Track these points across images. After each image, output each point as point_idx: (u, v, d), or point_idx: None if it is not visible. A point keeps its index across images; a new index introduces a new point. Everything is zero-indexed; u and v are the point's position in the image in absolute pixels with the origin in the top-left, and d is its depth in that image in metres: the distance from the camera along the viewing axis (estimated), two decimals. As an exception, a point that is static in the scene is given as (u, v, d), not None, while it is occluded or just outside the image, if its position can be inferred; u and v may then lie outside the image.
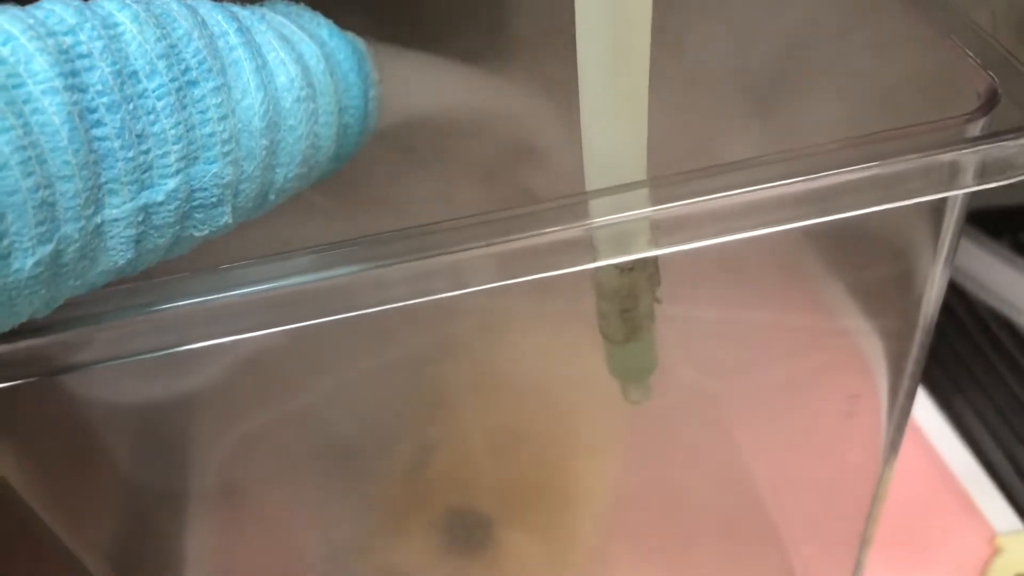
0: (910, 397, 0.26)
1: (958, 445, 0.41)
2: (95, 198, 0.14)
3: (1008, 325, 0.45)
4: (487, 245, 0.17)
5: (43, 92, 0.13)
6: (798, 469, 0.29)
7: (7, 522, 0.23)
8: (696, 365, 0.26)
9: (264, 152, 0.17)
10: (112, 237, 0.15)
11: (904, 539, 0.37)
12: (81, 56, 0.14)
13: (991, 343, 0.44)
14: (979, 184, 0.18)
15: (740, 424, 0.28)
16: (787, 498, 0.30)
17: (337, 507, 0.28)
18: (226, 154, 0.16)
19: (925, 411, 0.42)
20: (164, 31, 0.15)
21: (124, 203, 0.15)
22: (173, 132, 0.15)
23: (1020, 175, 0.18)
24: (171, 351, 0.17)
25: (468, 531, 0.29)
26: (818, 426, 0.28)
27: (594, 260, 0.17)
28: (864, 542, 0.31)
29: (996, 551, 0.37)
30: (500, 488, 0.28)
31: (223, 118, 0.16)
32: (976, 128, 0.18)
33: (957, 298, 0.45)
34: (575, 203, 0.17)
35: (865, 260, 0.24)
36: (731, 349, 0.26)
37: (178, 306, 0.16)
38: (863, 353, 0.26)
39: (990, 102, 0.18)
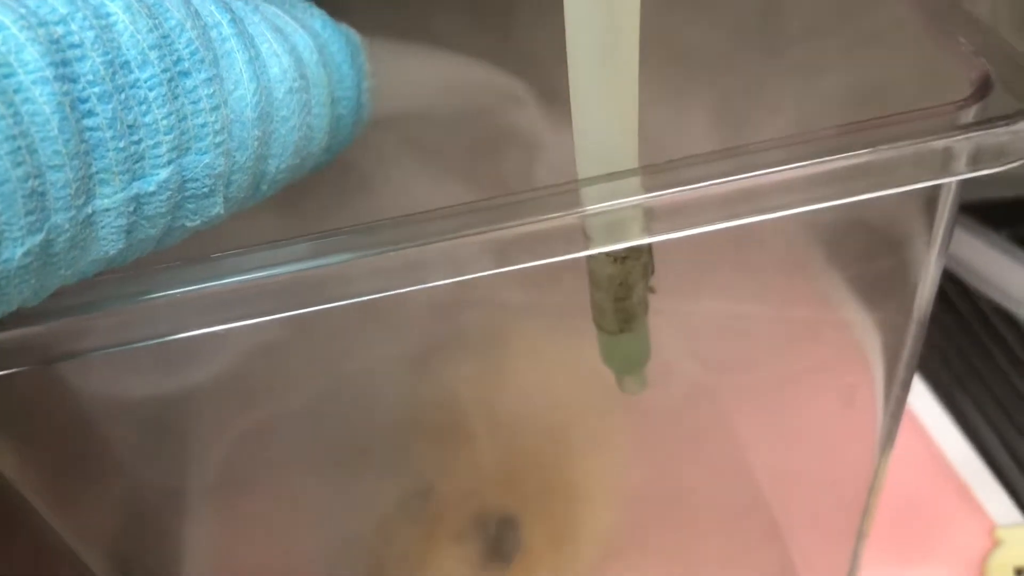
0: (906, 388, 0.26)
1: (958, 437, 0.41)
2: (86, 188, 0.14)
3: (1008, 318, 0.44)
4: (478, 233, 0.17)
5: (33, 82, 0.13)
6: (795, 461, 0.29)
7: (5, 518, 0.23)
8: (691, 357, 0.26)
9: (256, 143, 0.17)
10: (103, 227, 0.15)
11: (904, 531, 0.37)
12: (72, 46, 0.14)
13: (991, 336, 0.44)
14: (972, 171, 0.18)
15: (735, 416, 0.28)
16: (784, 490, 0.30)
17: (339, 503, 0.28)
18: (218, 145, 0.16)
19: (925, 404, 0.42)
20: (156, 21, 0.15)
21: (115, 193, 0.15)
22: (165, 122, 0.15)
23: (1014, 161, 0.18)
24: (164, 340, 0.17)
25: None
26: (814, 417, 0.28)
27: (586, 248, 0.17)
28: (861, 534, 0.31)
29: (996, 543, 0.37)
30: (500, 483, 0.28)
31: (215, 108, 0.16)
32: (969, 115, 0.18)
33: (957, 291, 0.45)
34: (567, 191, 0.17)
35: (859, 251, 0.24)
36: (725, 341, 0.26)
37: (172, 294, 0.16)
38: (858, 344, 0.26)
39: (983, 89, 0.18)
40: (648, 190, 0.17)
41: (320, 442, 0.26)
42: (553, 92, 0.24)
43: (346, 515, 0.28)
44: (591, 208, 0.17)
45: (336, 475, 0.27)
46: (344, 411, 0.25)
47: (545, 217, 0.17)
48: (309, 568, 0.29)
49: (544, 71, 0.24)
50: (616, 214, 0.17)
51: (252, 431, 0.24)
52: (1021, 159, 0.18)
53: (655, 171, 0.17)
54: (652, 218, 0.17)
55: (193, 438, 0.24)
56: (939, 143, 0.17)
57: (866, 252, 0.24)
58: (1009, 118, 0.17)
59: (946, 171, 0.17)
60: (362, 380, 0.25)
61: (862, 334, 0.25)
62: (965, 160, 0.17)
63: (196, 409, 0.24)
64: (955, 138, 0.17)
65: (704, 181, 0.17)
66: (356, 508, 0.28)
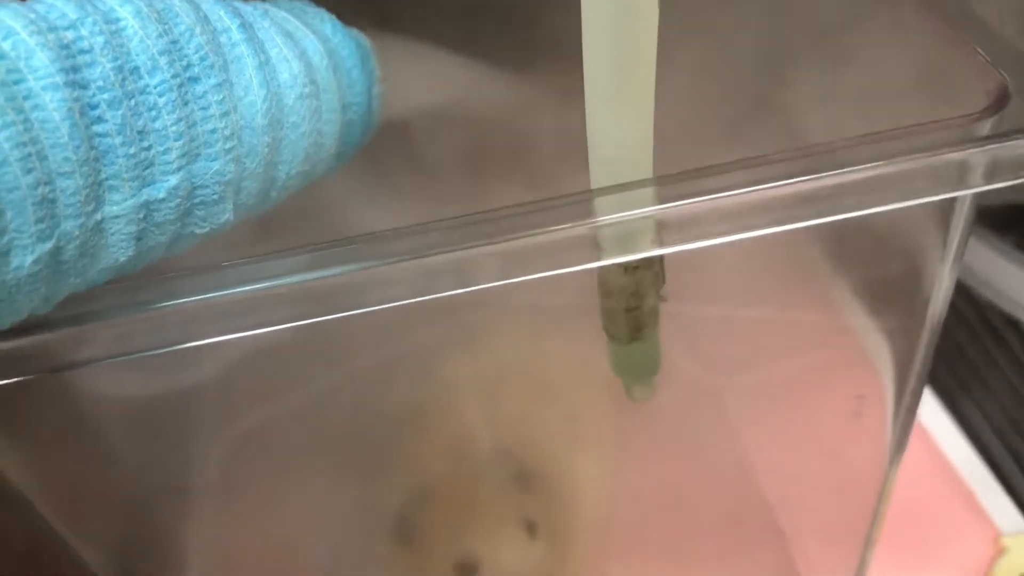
0: (916, 397, 0.26)
1: (963, 445, 0.41)
2: (96, 195, 0.14)
3: (1014, 324, 0.44)
4: (491, 243, 0.17)
5: (44, 88, 0.13)
6: (803, 468, 0.29)
7: (7, 516, 0.23)
8: (702, 362, 0.26)
9: (266, 149, 0.17)
10: (113, 234, 0.15)
11: (909, 539, 0.37)
12: (82, 52, 0.14)
13: (997, 342, 0.44)
14: (988, 184, 0.17)
15: (746, 422, 0.28)
16: (792, 496, 0.30)
17: (341, 501, 0.28)
18: (228, 151, 0.16)
19: (930, 410, 0.42)
20: (166, 27, 0.15)
21: (125, 200, 0.15)
22: (174, 129, 0.15)
23: (1029, 175, 0.18)
24: (172, 349, 0.17)
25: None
26: (824, 425, 0.28)
27: (599, 259, 0.17)
28: (868, 542, 0.31)
29: (1001, 551, 0.37)
30: (507, 480, 0.28)
31: (225, 115, 0.16)
32: (986, 127, 0.18)
33: (963, 296, 0.45)
34: (580, 201, 0.17)
35: (873, 259, 0.24)
36: (737, 346, 0.26)
37: (180, 303, 0.16)
38: (870, 352, 0.26)
39: (1000, 101, 0.18)
40: (661, 201, 0.17)
41: (321, 440, 0.26)
42: (565, 96, 0.24)
43: (347, 514, 0.28)
44: (603, 219, 0.17)
45: (336, 473, 0.27)
46: (345, 410, 0.25)
47: (557, 228, 0.17)
48: (309, 566, 0.29)
49: (555, 74, 0.24)
50: (628, 225, 0.17)
51: (253, 430, 0.24)
52: (1038, 172, 0.18)
53: (668, 182, 0.17)
54: (664, 229, 0.17)
55: (194, 436, 0.24)
56: (955, 156, 0.17)
57: (879, 261, 0.24)
58: (1027, 131, 0.17)
59: (962, 184, 0.17)
60: (364, 379, 0.25)
61: (874, 342, 0.25)
62: (982, 172, 0.17)
63: (197, 407, 0.24)
64: (971, 151, 0.17)
65: (717, 193, 0.17)
66: (355, 509, 0.28)
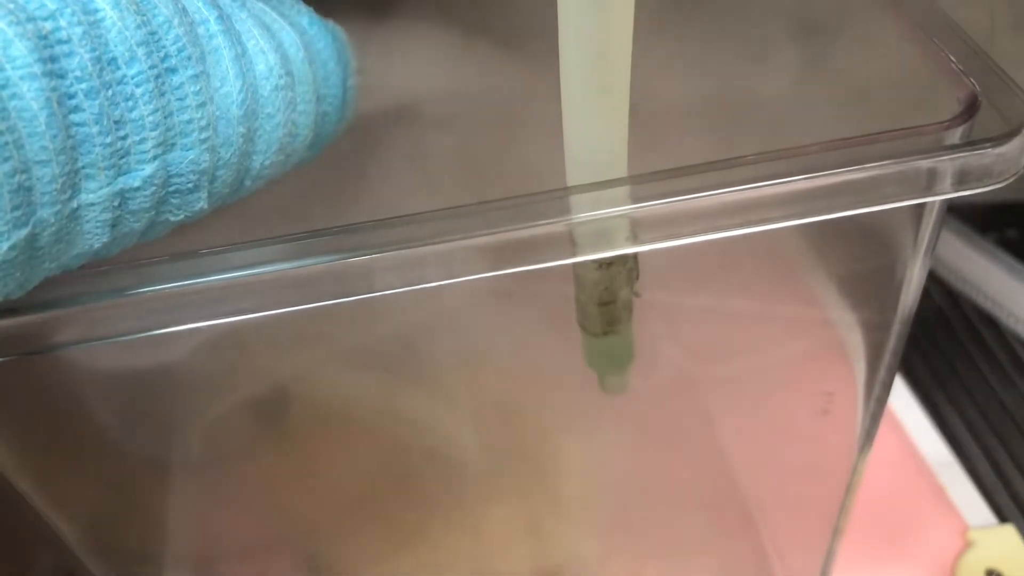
0: (886, 388, 0.27)
1: (936, 438, 0.41)
2: (72, 183, 0.14)
3: (990, 321, 0.45)
4: (465, 238, 0.17)
5: (22, 78, 0.13)
6: (775, 457, 0.30)
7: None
8: (676, 352, 0.26)
9: (241, 139, 0.17)
10: (88, 221, 0.15)
11: (878, 530, 0.38)
12: (60, 42, 0.14)
13: (973, 338, 0.44)
14: (956, 191, 0.18)
15: (717, 412, 0.28)
16: (763, 485, 0.31)
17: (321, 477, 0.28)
18: (203, 141, 0.16)
19: (905, 404, 0.43)
20: (144, 18, 0.15)
21: (100, 188, 0.15)
22: (151, 119, 0.15)
23: (998, 183, 0.18)
24: (149, 334, 0.17)
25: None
26: (795, 414, 0.28)
27: (573, 255, 0.18)
28: (836, 531, 0.31)
29: (968, 545, 0.37)
30: (481, 465, 0.28)
31: (201, 105, 0.16)
32: (956, 135, 0.18)
33: (941, 293, 0.46)
34: (555, 198, 0.17)
35: (846, 253, 0.24)
36: (710, 337, 0.26)
37: (157, 289, 0.16)
38: (842, 344, 0.26)
39: (970, 109, 0.18)
40: (635, 200, 0.17)
41: (300, 416, 0.26)
42: (546, 88, 0.24)
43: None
44: (577, 217, 0.17)
45: (317, 449, 0.27)
46: (327, 387, 0.26)
47: (532, 224, 0.17)
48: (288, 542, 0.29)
49: (537, 67, 0.24)
50: (603, 223, 0.17)
51: (232, 406, 0.25)
52: (1006, 180, 0.18)
53: (642, 181, 0.17)
54: (638, 228, 0.17)
55: (173, 413, 0.25)
56: (924, 163, 0.17)
57: (852, 255, 0.24)
58: (995, 140, 0.17)
59: (930, 191, 0.18)
60: (342, 361, 0.25)
61: (846, 333, 0.26)
62: (950, 180, 0.18)
63: (176, 384, 0.24)
64: (941, 159, 0.17)
65: (691, 193, 0.17)
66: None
